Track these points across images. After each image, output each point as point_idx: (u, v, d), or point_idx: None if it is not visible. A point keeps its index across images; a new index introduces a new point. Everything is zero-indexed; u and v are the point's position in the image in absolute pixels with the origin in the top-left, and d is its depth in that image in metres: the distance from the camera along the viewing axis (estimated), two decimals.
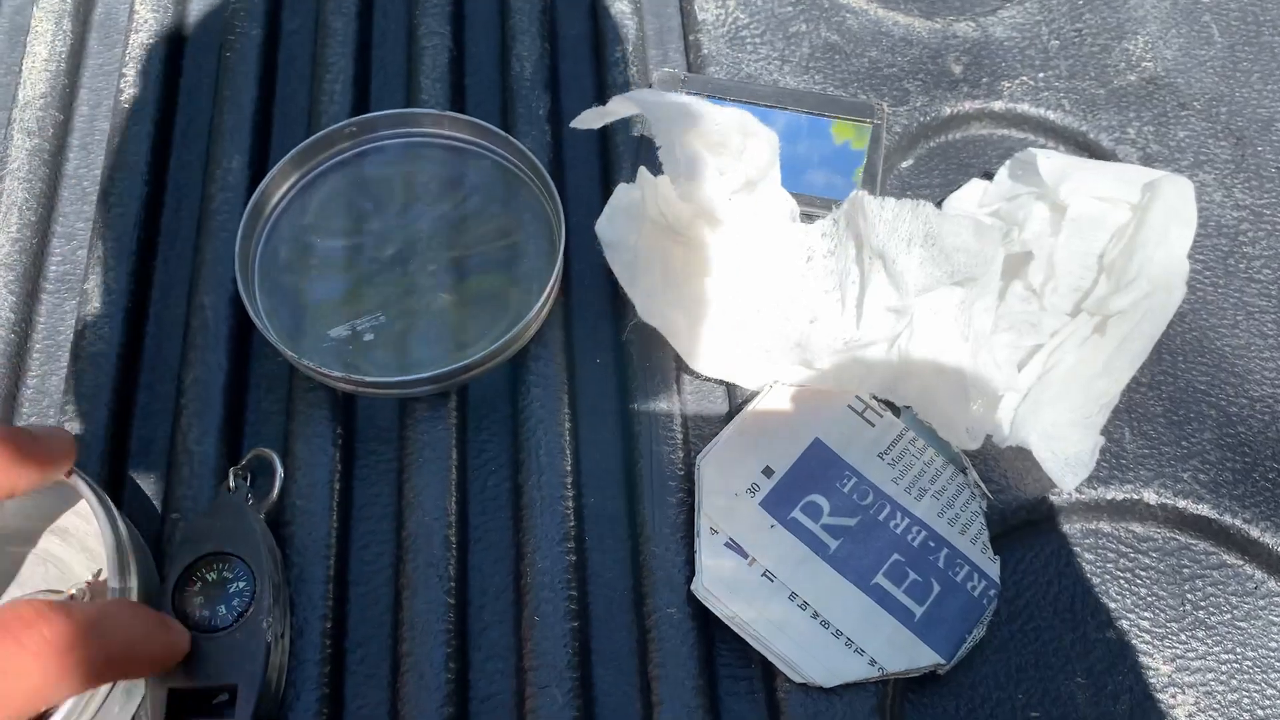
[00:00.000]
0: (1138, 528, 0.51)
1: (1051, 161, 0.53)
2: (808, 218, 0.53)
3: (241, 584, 0.44)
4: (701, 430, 0.51)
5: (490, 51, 0.62)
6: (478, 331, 0.52)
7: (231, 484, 0.47)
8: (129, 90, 0.59)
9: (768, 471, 0.48)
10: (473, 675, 0.46)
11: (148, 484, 0.50)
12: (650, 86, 0.60)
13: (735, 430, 0.48)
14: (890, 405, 0.49)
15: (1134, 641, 0.48)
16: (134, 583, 0.42)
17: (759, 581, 0.46)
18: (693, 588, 0.46)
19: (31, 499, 0.43)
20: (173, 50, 0.61)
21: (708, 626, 0.46)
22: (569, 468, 0.50)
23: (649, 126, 0.57)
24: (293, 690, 0.45)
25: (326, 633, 0.46)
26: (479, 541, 0.49)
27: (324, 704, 0.45)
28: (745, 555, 0.46)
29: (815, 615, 0.45)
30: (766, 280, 0.50)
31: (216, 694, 0.43)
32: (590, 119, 0.50)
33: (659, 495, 0.49)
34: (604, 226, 0.52)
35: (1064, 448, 0.49)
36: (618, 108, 0.48)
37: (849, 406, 0.49)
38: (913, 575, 0.46)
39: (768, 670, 0.46)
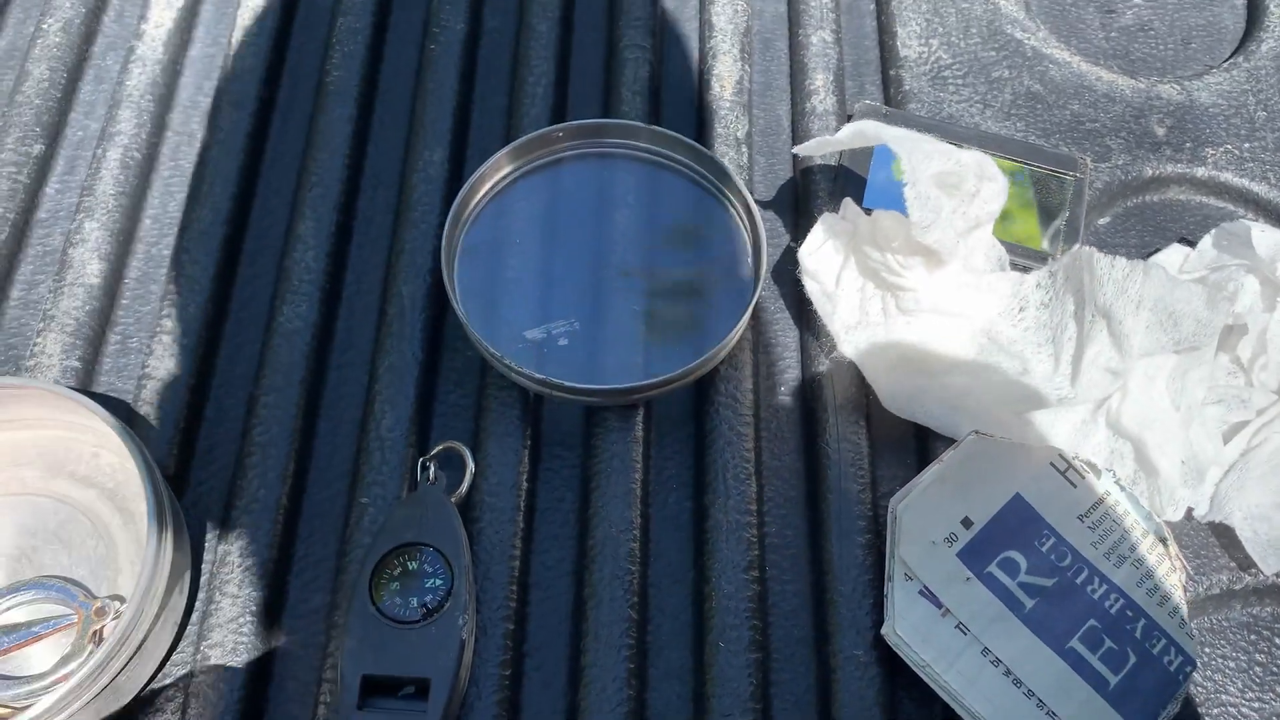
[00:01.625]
0: None
1: (1267, 236, 0.52)
2: (1015, 266, 0.52)
3: (438, 581, 0.44)
4: (888, 471, 0.51)
5: (688, 69, 0.62)
6: (668, 347, 0.52)
7: (432, 475, 0.47)
8: (335, 72, 0.59)
9: (966, 522, 0.47)
10: (650, 695, 0.46)
11: (334, 465, 0.50)
12: (849, 118, 0.59)
13: (935, 477, 0.47)
14: (1092, 466, 0.48)
15: None
16: (169, 540, 0.43)
17: (952, 633, 0.45)
18: (883, 632, 0.45)
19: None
20: (376, 36, 0.62)
21: (892, 676, 0.45)
22: (754, 494, 0.49)
23: (849, 156, 0.56)
24: (474, 690, 0.44)
25: (509, 635, 0.46)
26: (659, 559, 0.49)
27: (504, 708, 0.44)
28: (939, 605, 0.45)
29: (1008, 674, 0.44)
30: (977, 327, 0.49)
31: (404, 684, 0.43)
32: (814, 147, 0.50)
33: (846, 533, 0.48)
34: (807, 254, 0.51)
35: (1268, 529, 0.48)
36: (847, 138, 0.48)
37: (1051, 464, 0.48)
38: (1109, 643, 0.45)
39: None
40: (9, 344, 0.52)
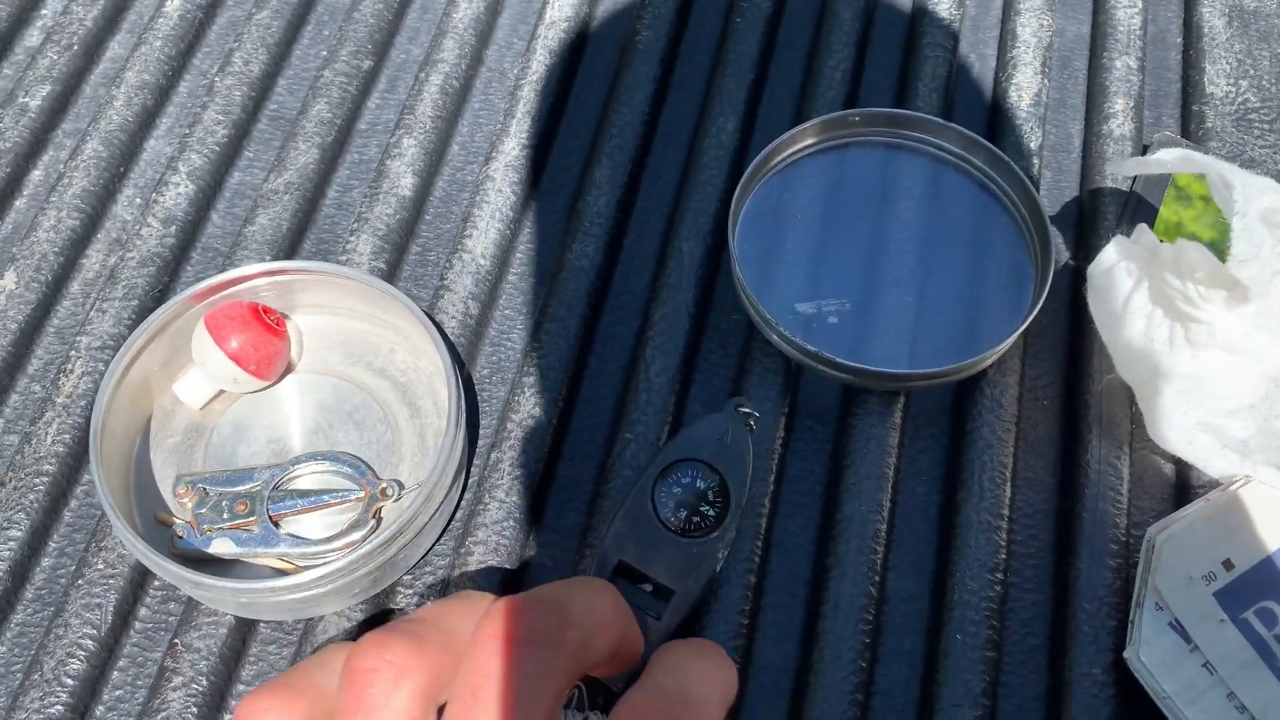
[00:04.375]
0: None
1: None
2: None
3: (713, 507, 0.45)
4: (1144, 502, 0.50)
5: (985, 75, 0.63)
6: (937, 343, 0.53)
7: (752, 423, 0.48)
8: (644, 32, 0.62)
9: (1228, 564, 0.46)
10: (879, 670, 0.46)
11: (600, 398, 0.53)
12: (1146, 148, 0.58)
13: (1201, 514, 0.47)
14: None
15: None
16: (463, 436, 0.46)
17: (1198, 671, 0.44)
18: (1126, 656, 0.45)
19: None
20: (684, 3, 0.64)
21: (1126, 701, 0.45)
22: (1007, 499, 0.49)
23: (1143, 184, 0.56)
24: (710, 630, 0.46)
25: (750, 586, 0.47)
26: (901, 545, 0.49)
27: (738, 653, 0.46)
28: (1189, 641, 0.45)
29: None
30: (1267, 371, 0.48)
31: (646, 581, 0.45)
32: (1130, 167, 0.49)
33: (1097, 554, 0.48)
34: (1097, 272, 0.51)
35: None
36: (1173, 162, 0.47)
37: None
38: None
39: None
40: (321, 239, 0.57)
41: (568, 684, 0.35)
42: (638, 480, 0.46)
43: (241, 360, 0.48)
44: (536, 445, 0.50)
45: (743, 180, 0.54)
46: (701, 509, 0.46)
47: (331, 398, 0.50)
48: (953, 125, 0.57)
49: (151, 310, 0.53)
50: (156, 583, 0.48)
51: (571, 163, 0.59)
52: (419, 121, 0.58)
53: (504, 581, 0.47)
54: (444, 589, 0.47)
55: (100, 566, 0.47)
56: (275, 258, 0.54)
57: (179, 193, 0.56)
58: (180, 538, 0.46)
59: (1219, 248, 0.50)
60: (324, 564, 0.43)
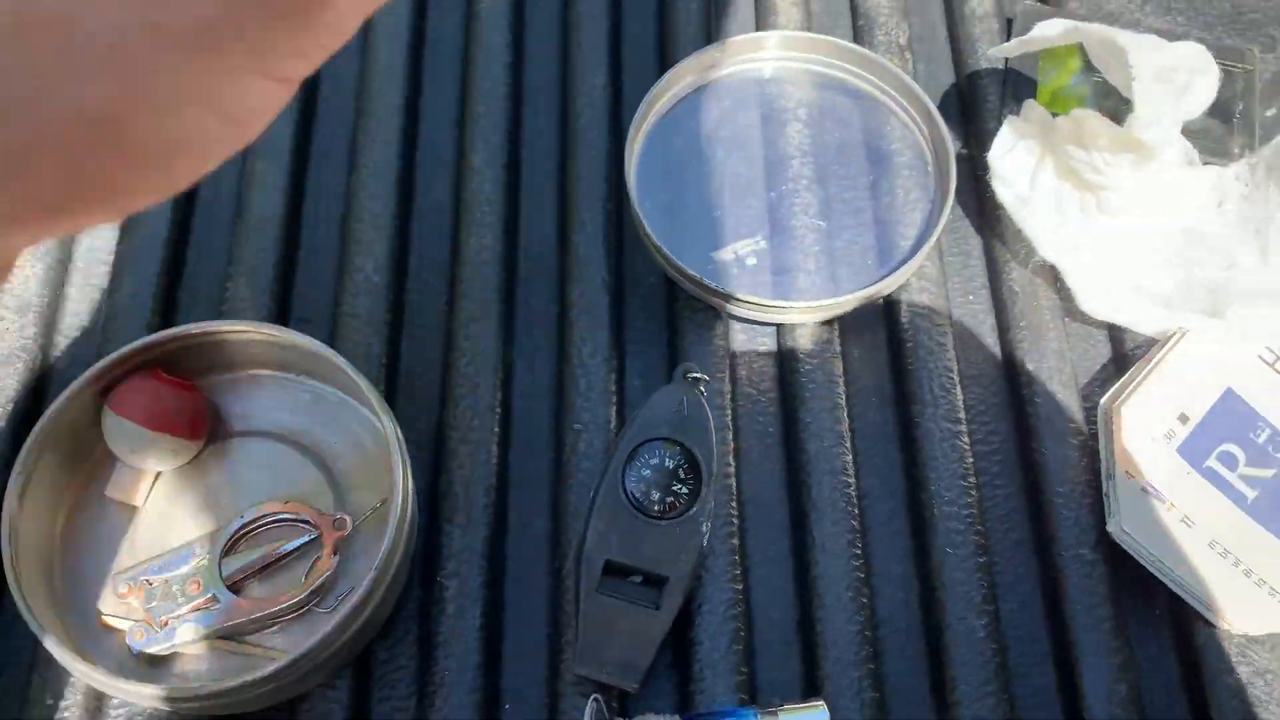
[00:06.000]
0: None
1: None
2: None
3: (686, 483, 0.44)
4: (1087, 373, 0.51)
5: None
6: (857, 261, 0.52)
7: (703, 387, 0.46)
8: (484, 1, 0.58)
9: (1183, 418, 0.47)
10: (878, 602, 0.46)
11: (537, 390, 0.50)
12: (1009, 21, 0.58)
13: (1147, 376, 0.47)
14: None
15: None
16: (410, 469, 0.43)
17: (1178, 528, 0.45)
18: (1109, 529, 0.45)
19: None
20: None
21: (1119, 573, 0.46)
22: (960, 401, 0.49)
23: (1017, 59, 0.56)
24: (706, 602, 0.45)
25: (735, 550, 0.46)
26: (868, 471, 0.49)
27: (736, 620, 0.45)
28: (1163, 500, 0.46)
29: (1237, 564, 0.45)
30: (1179, 225, 0.49)
31: (635, 574, 0.43)
32: (1014, 48, 0.49)
33: (1059, 435, 0.48)
34: (997, 158, 0.51)
35: None
36: (1058, 34, 0.47)
37: (1259, 357, 0.48)
38: None
39: (1176, 616, 0.46)
40: (196, 293, 0.52)
41: None
42: (604, 472, 0.44)
43: (170, 427, 0.44)
44: (484, 456, 0.48)
45: (629, 135, 0.52)
46: (674, 487, 0.44)
47: (251, 452, 0.47)
48: (820, 37, 0.55)
49: (35, 412, 0.48)
50: (116, 702, 0.44)
51: (443, 153, 0.56)
52: (270, 142, 0.54)
53: (485, 611, 0.45)
54: (426, 641, 0.45)
55: (49, 702, 0.43)
56: (151, 325, 0.50)
57: (27, 275, 0.51)
58: (139, 640, 0.42)
59: (1095, 109, 0.50)
60: (296, 652, 0.40)
